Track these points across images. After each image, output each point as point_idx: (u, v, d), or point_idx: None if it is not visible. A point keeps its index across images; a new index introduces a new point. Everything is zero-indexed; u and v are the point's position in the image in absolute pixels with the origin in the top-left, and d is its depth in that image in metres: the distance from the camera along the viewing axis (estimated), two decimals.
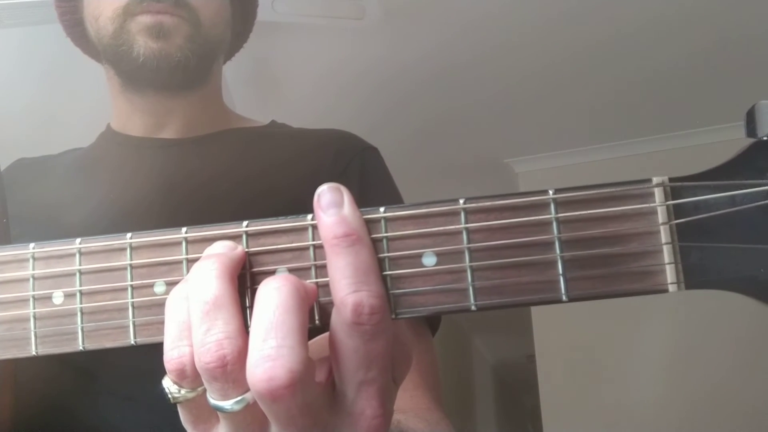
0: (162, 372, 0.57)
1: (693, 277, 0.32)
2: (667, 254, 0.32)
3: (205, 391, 0.34)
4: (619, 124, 2.62)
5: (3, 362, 0.38)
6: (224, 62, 0.80)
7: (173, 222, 0.64)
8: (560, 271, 0.33)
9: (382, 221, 0.35)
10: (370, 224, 0.35)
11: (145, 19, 0.65)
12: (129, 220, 0.64)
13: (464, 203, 0.34)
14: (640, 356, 2.43)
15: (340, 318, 0.32)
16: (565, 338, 2.55)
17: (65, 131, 1.51)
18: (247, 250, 0.36)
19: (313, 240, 0.35)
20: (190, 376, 0.33)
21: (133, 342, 0.36)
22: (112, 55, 0.69)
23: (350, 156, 0.70)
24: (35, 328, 0.37)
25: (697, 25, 2.06)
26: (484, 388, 3.42)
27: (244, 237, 0.36)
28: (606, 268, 0.32)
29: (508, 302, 0.33)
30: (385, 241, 0.34)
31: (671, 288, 0.32)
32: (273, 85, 2.31)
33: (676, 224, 0.32)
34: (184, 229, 0.37)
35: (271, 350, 0.30)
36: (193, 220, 0.64)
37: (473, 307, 0.33)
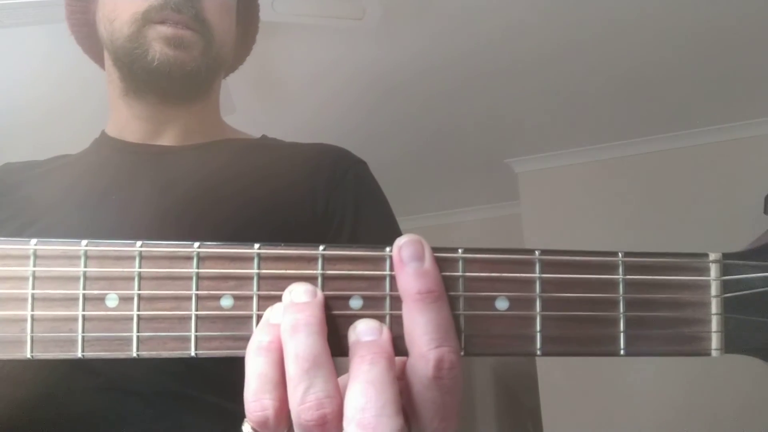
0: (167, 365, 0.55)
1: (731, 344, 0.36)
2: (715, 323, 0.36)
3: None
4: (619, 124, 2.61)
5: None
6: (224, 77, 0.82)
7: (169, 225, 0.63)
8: (622, 328, 0.36)
9: (460, 261, 0.36)
10: (447, 262, 0.36)
11: (164, 30, 0.66)
12: (127, 223, 0.64)
13: (540, 254, 0.36)
14: (640, 356, 2.44)
15: (418, 371, 0.34)
16: None
17: (64, 131, 1.50)
18: (323, 272, 0.36)
19: (390, 270, 0.36)
20: (271, 427, 0.34)
21: (193, 354, 0.35)
22: (126, 56, 0.68)
23: (345, 167, 0.72)
24: (83, 331, 0.35)
25: (697, 24, 2.06)
26: (484, 388, 3.46)
27: (320, 259, 0.36)
28: (662, 330, 0.36)
29: (570, 351, 0.36)
30: (461, 280, 0.36)
31: (714, 353, 0.36)
32: (272, 84, 2.25)
33: (724, 297, 0.36)
34: (257, 245, 0.36)
35: (372, 419, 0.32)
36: (190, 223, 0.63)
37: (538, 352, 0.36)
